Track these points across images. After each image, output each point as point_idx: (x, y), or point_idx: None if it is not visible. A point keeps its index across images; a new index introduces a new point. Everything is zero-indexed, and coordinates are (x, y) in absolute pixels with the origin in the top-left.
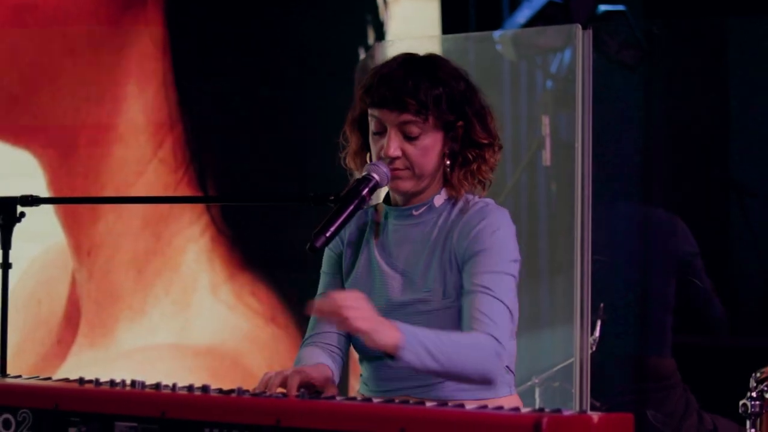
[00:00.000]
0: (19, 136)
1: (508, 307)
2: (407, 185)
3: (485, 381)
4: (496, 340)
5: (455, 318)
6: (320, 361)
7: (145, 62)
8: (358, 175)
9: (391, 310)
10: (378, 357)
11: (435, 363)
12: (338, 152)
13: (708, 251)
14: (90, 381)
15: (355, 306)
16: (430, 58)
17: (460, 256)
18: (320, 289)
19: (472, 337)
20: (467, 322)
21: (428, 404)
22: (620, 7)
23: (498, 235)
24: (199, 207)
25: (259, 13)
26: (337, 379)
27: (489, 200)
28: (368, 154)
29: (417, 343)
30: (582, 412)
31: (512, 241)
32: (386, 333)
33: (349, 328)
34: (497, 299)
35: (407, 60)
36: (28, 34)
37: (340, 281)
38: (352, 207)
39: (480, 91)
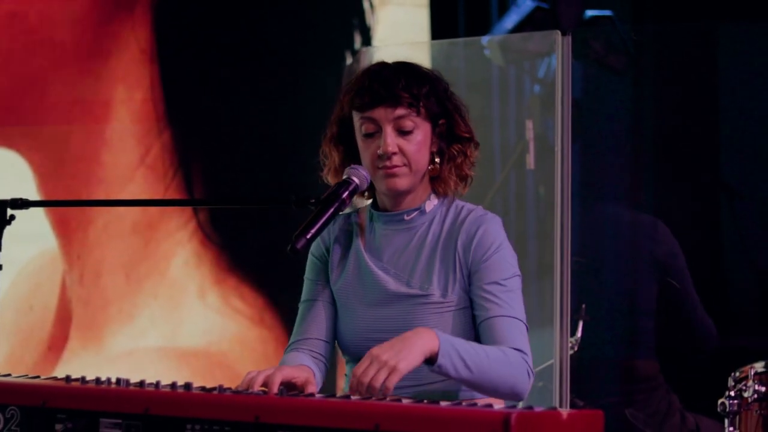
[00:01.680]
0: (9, 138)
1: (524, 324)
2: (404, 182)
3: (515, 396)
4: (526, 359)
5: (457, 319)
6: (303, 363)
7: (132, 67)
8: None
9: (390, 301)
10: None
11: (468, 372)
12: (319, 171)
13: (698, 254)
14: (76, 379)
15: (369, 362)
16: (407, 62)
17: (466, 266)
18: (304, 296)
19: (503, 353)
20: (497, 343)
21: (404, 401)
22: (607, 12)
23: (501, 250)
24: (187, 212)
25: (246, 17)
26: (320, 384)
27: (480, 207)
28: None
29: (452, 350)
30: (551, 408)
31: (512, 254)
32: (423, 337)
33: (391, 382)
34: (517, 319)
35: (387, 64)
36: (17, 40)
37: (324, 287)
38: (332, 210)
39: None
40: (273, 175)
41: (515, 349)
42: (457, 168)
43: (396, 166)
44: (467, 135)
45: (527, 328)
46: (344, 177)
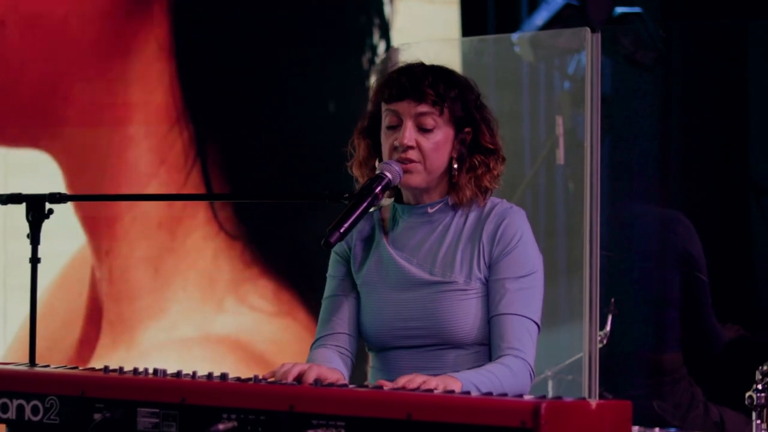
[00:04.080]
0: (39, 140)
1: (536, 324)
2: (418, 180)
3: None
4: (528, 363)
5: (481, 306)
6: (333, 365)
7: (153, 65)
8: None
9: (413, 287)
10: (387, 348)
11: None
12: (345, 161)
13: (726, 250)
14: (114, 370)
15: (413, 378)
16: (444, 66)
17: (489, 257)
18: (327, 292)
19: (508, 368)
20: (502, 341)
21: (435, 391)
22: (637, 9)
23: (522, 244)
24: (213, 206)
25: (264, 12)
26: (347, 381)
27: (504, 200)
28: (376, 161)
29: (472, 386)
30: (581, 398)
31: (534, 247)
32: (450, 385)
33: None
34: (527, 318)
35: (423, 63)
36: (38, 42)
37: (347, 284)
38: (365, 204)
39: (488, 105)
40: (294, 169)
41: (515, 349)
42: (477, 179)
43: (411, 161)
44: (492, 147)
45: (538, 327)
46: (377, 172)
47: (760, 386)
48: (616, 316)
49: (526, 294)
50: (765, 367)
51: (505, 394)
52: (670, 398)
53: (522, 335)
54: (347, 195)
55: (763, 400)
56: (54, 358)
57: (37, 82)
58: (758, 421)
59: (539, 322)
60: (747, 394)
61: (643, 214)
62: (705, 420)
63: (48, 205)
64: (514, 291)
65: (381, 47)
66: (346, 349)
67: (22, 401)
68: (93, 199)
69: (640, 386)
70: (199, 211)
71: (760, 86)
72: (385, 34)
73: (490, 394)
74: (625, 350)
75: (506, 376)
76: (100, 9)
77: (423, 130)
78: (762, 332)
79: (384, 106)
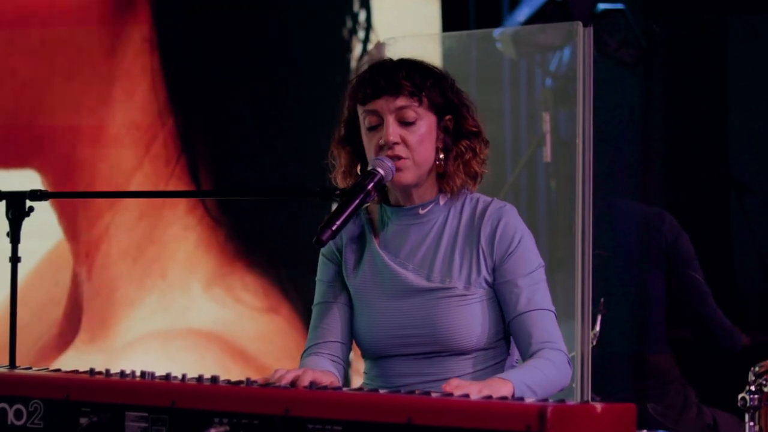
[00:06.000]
0: (22, 156)
1: (554, 313)
2: (409, 176)
3: (561, 390)
4: (564, 352)
5: (481, 311)
6: (325, 368)
7: (137, 59)
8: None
9: (410, 294)
10: (384, 356)
11: (534, 396)
12: (327, 173)
13: (708, 249)
14: (100, 372)
15: (461, 384)
16: (413, 59)
17: (491, 259)
18: (317, 298)
19: (551, 362)
20: (532, 338)
21: (434, 395)
22: (619, 6)
23: (523, 242)
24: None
25: (245, 6)
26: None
27: (495, 199)
28: (359, 167)
29: (523, 386)
30: (585, 402)
31: (533, 241)
32: (501, 389)
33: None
34: (547, 310)
35: (391, 59)
36: (19, 47)
37: (338, 289)
38: (357, 201)
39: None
40: (277, 161)
41: (547, 342)
42: (465, 165)
43: (399, 158)
44: (475, 129)
45: (556, 316)
46: (369, 168)
47: (753, 387)
48: (606, 315)
49: (539, 288)
50: (758, 368)
51: (500, 398)
52: (663, 400)
53: (549, 328)
54: (339, 192)
55: (756, 402)
56: (25, 352)
57: (22, 83)
58: (751, 423)
59: (555, 312)
60: (740, 396)
61: (626, 212)
62: (698, 422)
63: (28, 203)
64: (528, 288)
65: (362, 16)
66: (339, 358)
67: (5, 405)
68: (74, 196)
69: (630, 388)
70: (181, 202)
71: (741, 82)
72: (366, 4)
73: (534, 391)
74: (611, 351)
75: (550, 370)
76: (81, 8)
77: (405, 123)
78: (746, 332)
79: (361, 108)
